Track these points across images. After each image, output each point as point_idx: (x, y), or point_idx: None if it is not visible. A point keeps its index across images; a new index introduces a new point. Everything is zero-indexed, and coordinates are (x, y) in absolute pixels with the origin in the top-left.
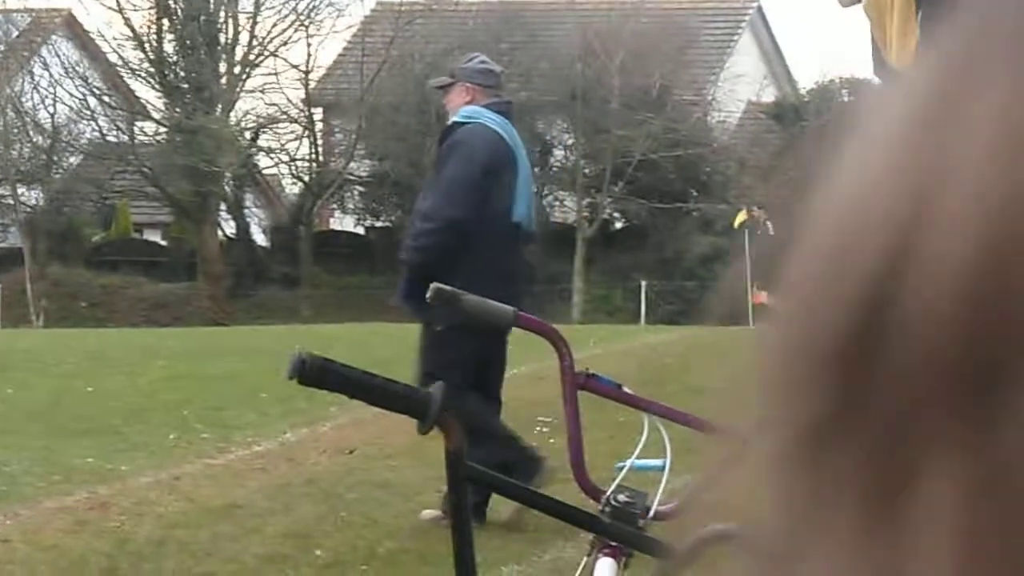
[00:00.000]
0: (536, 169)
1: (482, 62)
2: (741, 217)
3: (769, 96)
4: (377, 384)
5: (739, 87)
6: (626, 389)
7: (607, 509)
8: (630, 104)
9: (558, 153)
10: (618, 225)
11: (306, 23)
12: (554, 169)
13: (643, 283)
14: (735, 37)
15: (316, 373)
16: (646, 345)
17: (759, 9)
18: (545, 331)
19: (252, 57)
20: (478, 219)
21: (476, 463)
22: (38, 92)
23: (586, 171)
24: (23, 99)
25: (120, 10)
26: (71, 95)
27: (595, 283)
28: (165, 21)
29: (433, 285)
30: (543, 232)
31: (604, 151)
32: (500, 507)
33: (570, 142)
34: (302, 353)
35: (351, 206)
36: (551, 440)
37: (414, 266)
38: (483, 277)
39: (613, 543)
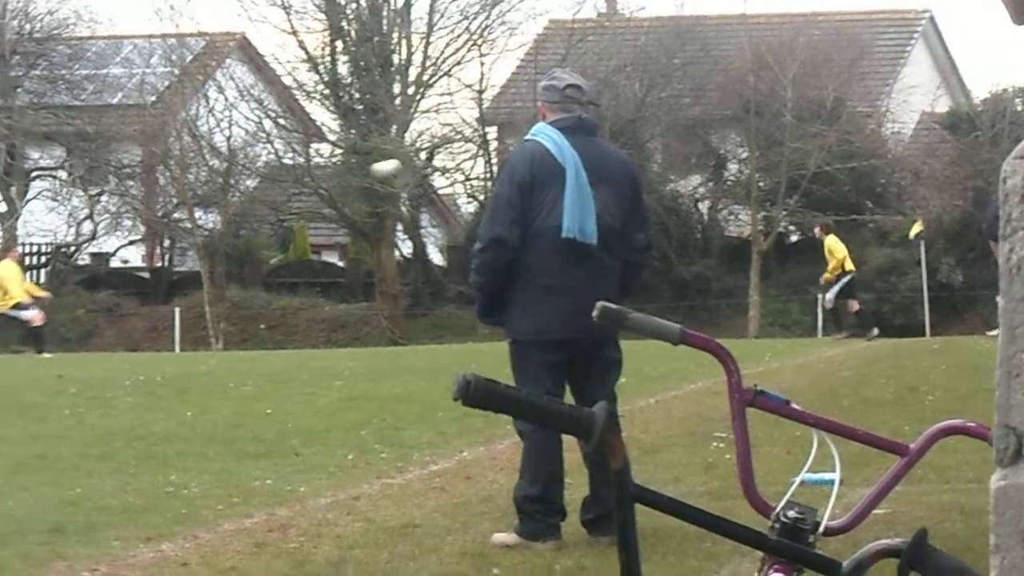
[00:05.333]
0: (710, 183)
1: (552, 78)
2: (916, 228)
3: (943, 106)
4: (541, 404)
5: (912, 98)
6: (794, 405)
7: (776, 526)
8: (804, 116)
9: (732, 167)
10: (793, 238)
11: (479, 42)
12: (728, 183)
13: (819, 296)
14: (908, 47)
15: (481, 394)
16: (823, 359)
17: (931, 19)
18: (711, 348)
19: (426, 77)
20: (524, 236)
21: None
22: (213, 116)
23: (761, 184)
24: (199, 123)
25: (294, 33)
26: (246, 118)
27: (771, 297)
28: (339, 43)
29: (600, 304)
30: (718, 246)
31: (778, 164)
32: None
33: (744, 155)
34: (467, 374)
35: None
36: (727, 456)
37: (474, 285)
38: (535, 291)
39: (783, 560)
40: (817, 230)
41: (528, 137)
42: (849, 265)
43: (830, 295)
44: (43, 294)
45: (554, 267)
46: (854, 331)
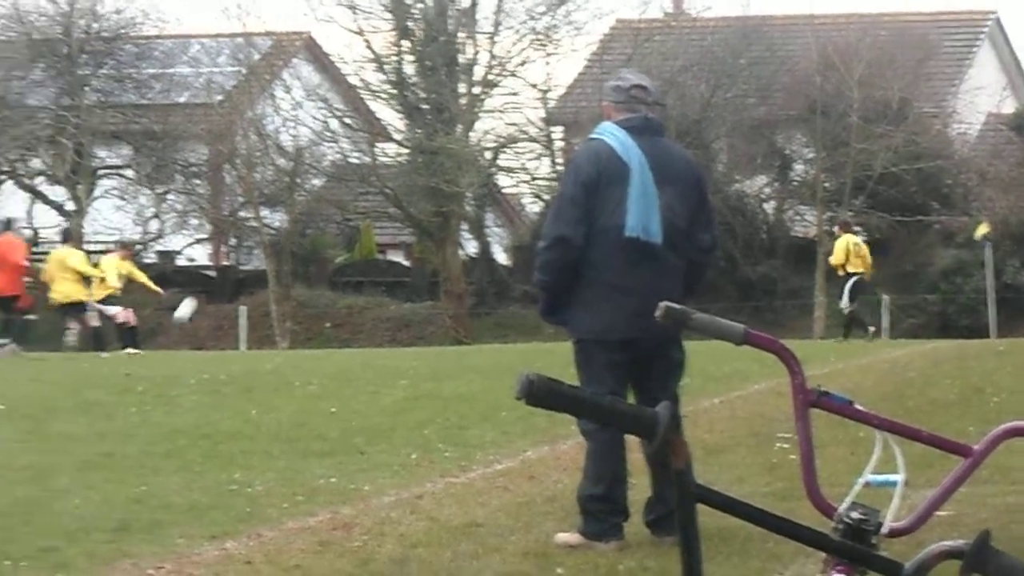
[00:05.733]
0: (776, 183)
1: (618, 78)
2: (982, 229)
3: (1009, 107)
4: (604, 404)
5: (979, 99)
6: (858, 406)
7: (839, 527)
8: (870, 117)
9: (798, 167)
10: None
11: (545, 42)
12: (794, 183)
13: (885, 297)
14: (974, 48)
15: (544, 393)
16: (888, 360)
17: (997, 21)
18: (775, 348)
19: (492, 77)
20: (589, 234)
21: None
22: (280, 115)
23: (826, 185)
24: (265, 122)
25: (360, 32)
26: (313, 117)
27: (837, 297)
28: (405, 43)
29: (663, 304)
30: (784, 246)
31: (844, 165)
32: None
33: (810, 156)
34: (530, 373)
35: None
36: (790, 457)
37: (538, 283)
38: (599, 290)
39: (845, 561)
40: (836, 228)
41: (593, 136)
42: (854, 268)
43: (843, 301)
44: (156, 290)
45: (618, 266)
46: (854, 332)
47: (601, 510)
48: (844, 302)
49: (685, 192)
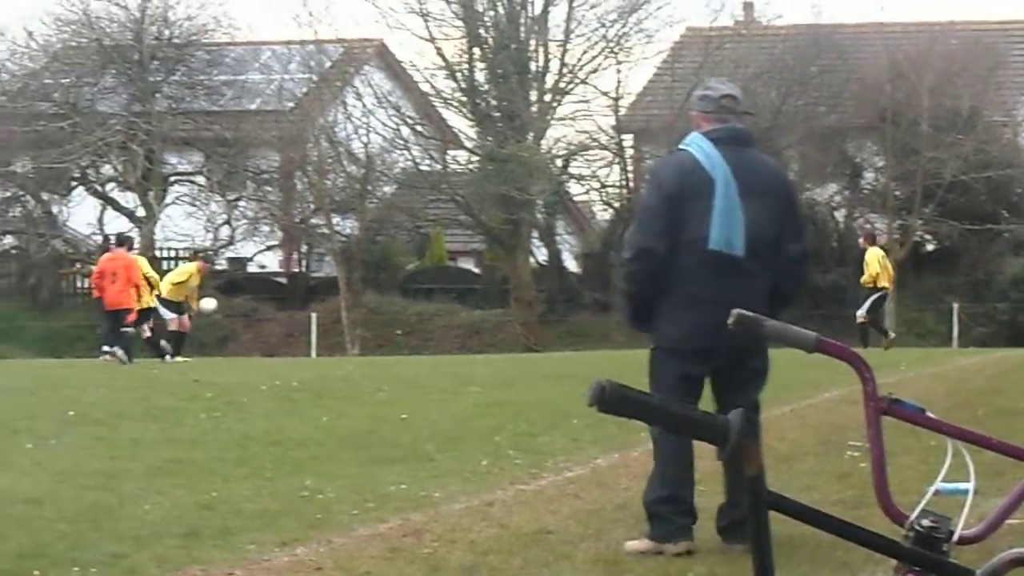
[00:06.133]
0: (846, 191)
1: (707, 87)
2: None
3: None
4: (675, 410)
5: None
6: (929, 414)
7: (910, 534)
8: (940, 125)
9: (868, 175)
10: (929, 247)
11: (616, 50)
12: (864, 191)
13: (955, 305)
14: None
15: (615, 400)
16: (958, 368)
17: None
18: (847, 356)
19: (562, 84)
20: (672, 246)
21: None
22: (351, 122)
23: (896, 193)
24: (336, 129)
25: (432, 40)
26: (384, 124)
27: (907, 306)
28: (476, 50)
29: (735, 311)
30: (854, 255)
31: (914, 173)
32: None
33: (880, 164)
34: (602, 380)
35: None
36: (861, 464)
37: (623, 294)
38: (681, 301)
39: (916, 568)
40: (861, 240)
41: (680, 147)
42: (883, 283)
43: (861, 310)
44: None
45: (701, 277)
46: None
47: (668, 512)
48: (861, 312)
49: (772, 203)
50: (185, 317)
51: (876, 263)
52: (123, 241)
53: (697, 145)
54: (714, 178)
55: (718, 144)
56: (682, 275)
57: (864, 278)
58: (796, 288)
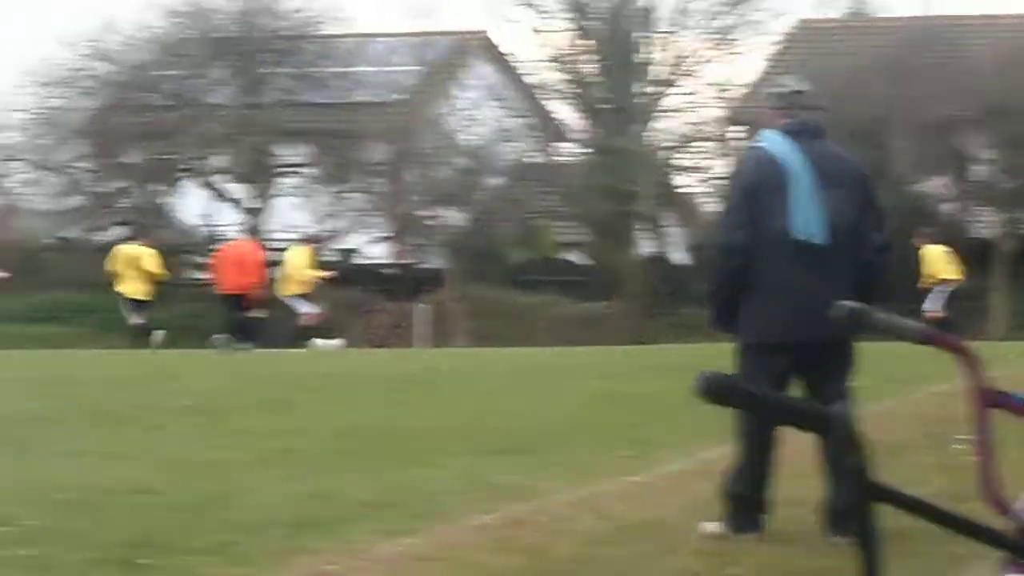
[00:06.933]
0: (954, 184)
1: (777, 84)
2: None
3: None
4: (780, 402)
5: None
6: None
7: (1018, 526)
8: None
9: (977, 168)
10: None
11: (723, 42)
12: (973, 184)
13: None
14: None
15: (722, 390)
16: None
17: None
18: (956, 347)
19: (670, 76)
20: (755, 241)
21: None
22: (459, 114)
23: (1006, 185)
24: (445, 121)
25: (540, 32)
26: (492, 117)
27: (1017, 299)
28: (584, 42)
29: (840, 303)
30: (962, 248)
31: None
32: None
33: (989, 157)
34: (708, 371)
35: None
36: (968, 458)
37: (708, 290)
38: (764, 295)
39: (1022, 560)
40: (916, 240)
41: (755, 143)
42: (948, 276)
43: (935, 306)
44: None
45: (784, 270)
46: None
47: (742, 505)
48: (934, 308)
49: (850, 193)
50: (315, 309)
51: (939, 259)
52: (252, 231)
53: (770, 139)
54: (789, 170)
55: (790, 137)
56: (765, 269)
57: (931, 273)
58: (880, 278)
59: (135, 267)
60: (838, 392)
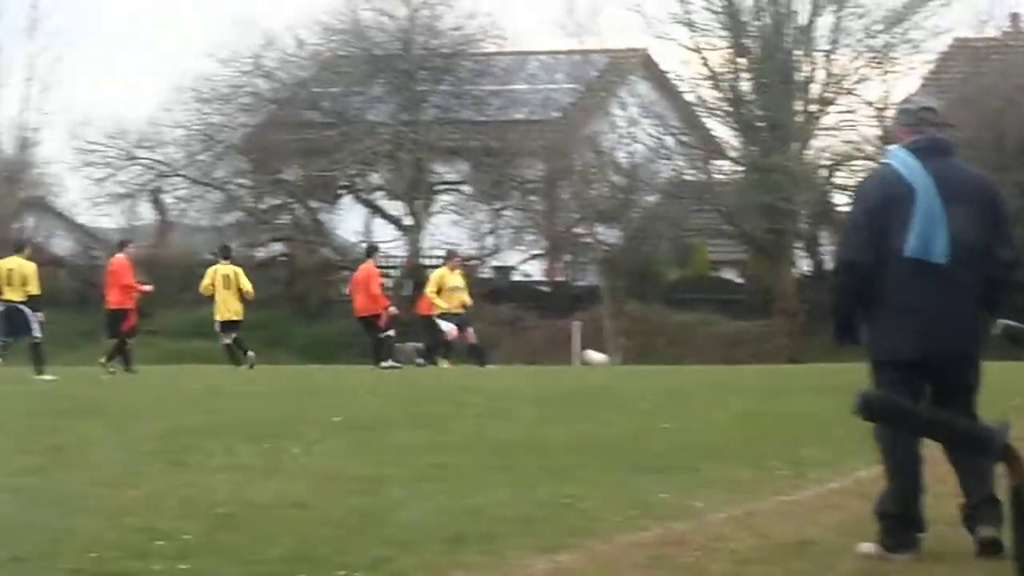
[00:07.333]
0: None
1: (907, 102)
2: None
3: None
4: (940, 420)
5: None
6: None
7: None
8: None
9: None
10: None
11: (882, 60)
12: None
13: None
14: None
15: (880, 409)
16: None
17: None
18: None
19: (827, 95)
20: (879, 258)
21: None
22: (616, 132)
23: None
24: (601, 139)
25: (697, 50)
26: (648, 134)
27: None
28: (742, 60)
29: (999, 322)
30: None
31: None
32: None
33: None
34: (867, 389)
35: None
36: None
37: (831, 306)
38: (887, 312)
39: None
40: None
41: (882, 160)
42: None
43: None
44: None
45: (907, 288)
46: None
47: (895, 525)
48: None
49: (979, 211)
50: (467, 330)
51: None
52: (371, 251)
53: (897, 157)
54: (915, 187)
55: (918, 154)
56: (889, 286)
57: None
58: (1007, 294)
59: (230, 287)
60: (968, 410)
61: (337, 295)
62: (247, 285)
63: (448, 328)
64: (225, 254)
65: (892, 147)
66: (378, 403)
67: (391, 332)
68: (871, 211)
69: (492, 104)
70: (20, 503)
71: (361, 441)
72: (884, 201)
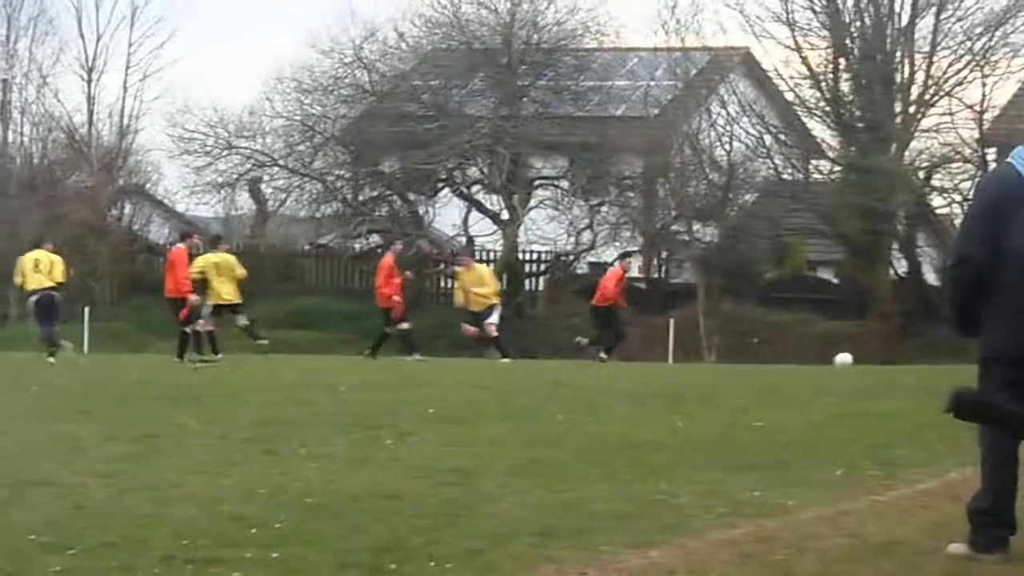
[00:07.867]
0: None
1: None
2: None
3: None
4: None
5: None
6: None
7: None
8: None
9: None
10: None
11: (981, 63)
12: None
13: None
14: None
15: (972, 407)
16: None
17: None
18: None
19: (927, 96)
20: (990, 255)
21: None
22: (715, 130)
23: None
24: (700, 136)
25: (798, 49)
26: (747, 133)
27: None
28: (842, 60)
29: None
30: None
31: None
32: None
33: None
34: (960, 388)
35: None
36: None
37: (948, 300)
38: (1002, 311)
39: None
40: None
41: (1005, 160)
42: None
43: None
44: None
45: (1019, 286)
46: None
47: (987, 523)
48: None
49: None
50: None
51: None
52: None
53: (1020, 157)
54: None
55: None
56: (1004, 285)
57: None
58: None
59: (222, 274)
60: None
61: (434, 288)
62: (242, 271)
63: (494, 320)
64: (215, 243)
65: (1017, 147)
66: (472, 396)
67: (406, 324)
68: (988, 208)
69: (591, 100)
70: (113, 490)
71: (454, 433)
72: (1001, 199)
